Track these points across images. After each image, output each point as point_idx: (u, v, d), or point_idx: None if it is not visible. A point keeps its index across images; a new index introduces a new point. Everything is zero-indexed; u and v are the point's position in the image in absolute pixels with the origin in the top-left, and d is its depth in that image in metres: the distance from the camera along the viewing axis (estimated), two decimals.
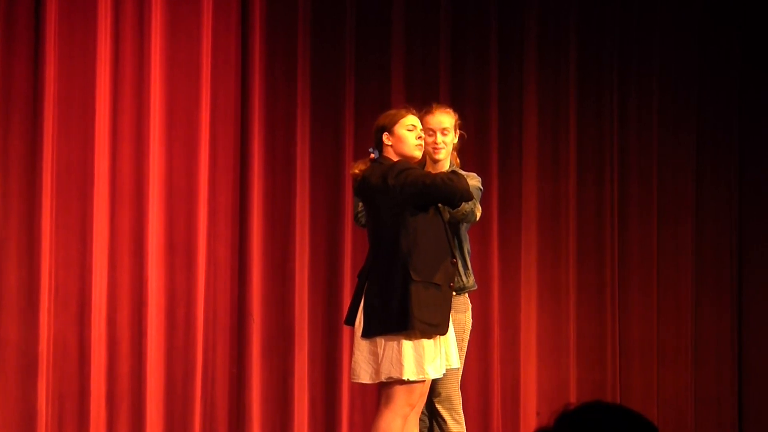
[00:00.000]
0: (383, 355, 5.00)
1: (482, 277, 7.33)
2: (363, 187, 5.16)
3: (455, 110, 5.52)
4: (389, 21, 7.39)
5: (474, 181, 5.36)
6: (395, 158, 5.13)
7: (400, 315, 4.95)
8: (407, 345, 4.97)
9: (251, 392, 6.93)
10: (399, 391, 5.03)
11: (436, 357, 5.02)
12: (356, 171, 5.17)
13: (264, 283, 7.03)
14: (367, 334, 5.04)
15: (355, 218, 5.46)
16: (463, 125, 5.54)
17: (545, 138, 7.74)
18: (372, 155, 5.19)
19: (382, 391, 5.11)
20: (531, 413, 7.55)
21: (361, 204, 5.34)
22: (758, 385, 8.03)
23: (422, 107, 5.40)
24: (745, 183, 8.11)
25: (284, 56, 7.14)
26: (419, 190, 5.00)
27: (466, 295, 5.48)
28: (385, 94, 7.30)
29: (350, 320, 5.16)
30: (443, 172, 5.21)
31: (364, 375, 5.08)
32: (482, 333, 7.35)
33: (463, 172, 5.37)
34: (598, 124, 7.88)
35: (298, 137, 7.13)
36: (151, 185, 6.75)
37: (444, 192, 5.02)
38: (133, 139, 6.76)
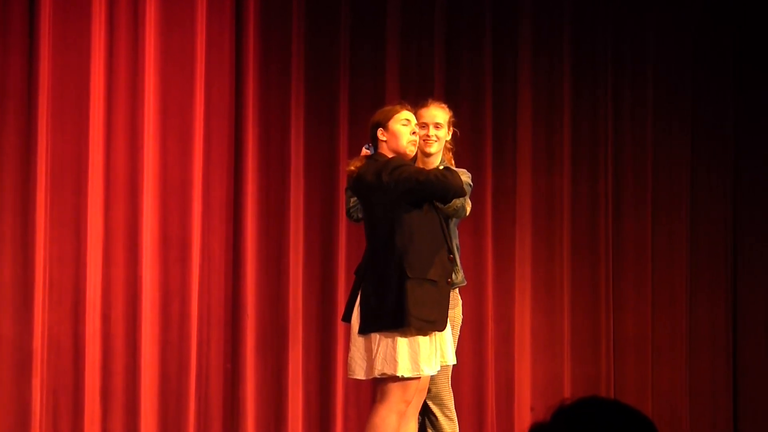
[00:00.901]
0: (377, 351, 4.99)
1: (476, 272, 7.33)
2: (358, 185, 5.15)
3: (450, 107, 5.51)
4: (384, 17, 7.38)
5: (464, 177, 5.35)
6: (390, 154, 5.13)
7: (396, 312, 4.94)
8: (402, 342, 4.97)
9: (245, 387, 6.93)
10: (394, 387, 5.02)
11: (431, 354, 5.01)
12: (352, 168, 5.17)
13: (258, 278, 7.02)
14: (363, 330, 5.04)
15: (348, 213, 5.45)
16: (457, 122, 5.53)
17: (539, 133, 7.73)
18: (367, 151, 5.19)
19: (377, 387, 5.11)
20: (525, 408, 7.55)
21: (353, 199, 5.33)
22: (753, 379, 8.03)
23: (417, 104, 5.40)
24: (740, 180, 8.11)
25: (279, 52, 7.13)
26: (413, 187, 4.99)
27: (457, 290, 5.47)
28: (380, 90, 7.29)
29: (347, 317, 5.17)
30: (437, 169, 5.20)
31: (360, 371, 5.08)
32: (476, 328, 7.35)
33: (453, 169, 5.37)
34: (593, 119, 7.88)
35: (292, 133, 7.12)
36: (145, 180, 6.74)
37: (437, 188, 5.02)
38: (127, 134, 6.76)
